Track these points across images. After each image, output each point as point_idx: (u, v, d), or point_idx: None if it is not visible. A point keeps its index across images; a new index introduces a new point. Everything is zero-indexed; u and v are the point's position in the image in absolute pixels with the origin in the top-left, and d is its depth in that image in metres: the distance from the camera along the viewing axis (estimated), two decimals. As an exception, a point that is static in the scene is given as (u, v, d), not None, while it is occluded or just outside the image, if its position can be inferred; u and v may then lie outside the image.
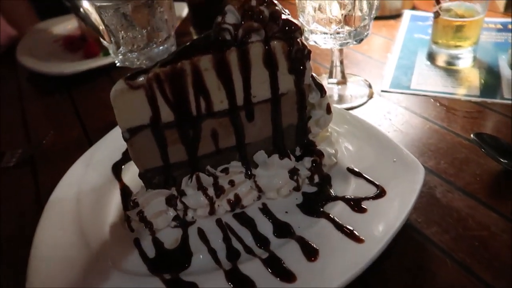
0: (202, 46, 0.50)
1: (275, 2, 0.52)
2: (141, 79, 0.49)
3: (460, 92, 0.78)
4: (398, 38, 1.01)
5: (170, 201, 0.55)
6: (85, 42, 1.18)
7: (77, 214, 0.58)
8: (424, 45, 0.96)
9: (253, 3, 0.51)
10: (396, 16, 1.14)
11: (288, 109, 0.55)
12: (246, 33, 0.49)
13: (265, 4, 0.50)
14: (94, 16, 0.75)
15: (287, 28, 0.50)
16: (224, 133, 0.54)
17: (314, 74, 0.55)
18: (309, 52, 0.52)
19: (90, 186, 0.64)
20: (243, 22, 0.49)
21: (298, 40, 0.51)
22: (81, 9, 0.84)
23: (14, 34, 1.33)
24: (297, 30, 0.50)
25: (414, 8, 1.18)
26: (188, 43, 0.52)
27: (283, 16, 0.50)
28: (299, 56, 0.51)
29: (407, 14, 1.13)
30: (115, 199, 0.62)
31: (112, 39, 0.76)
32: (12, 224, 0.64)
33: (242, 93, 0.52)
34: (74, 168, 0.67)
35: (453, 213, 0.54)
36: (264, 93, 0.53)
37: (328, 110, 0.57)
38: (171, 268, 0.50)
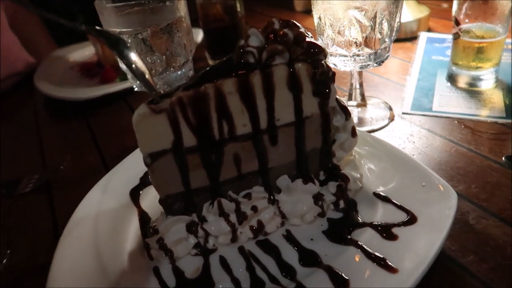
0: (225, 70, 0.49)
1: (298, 24, 0.51)
2: (163, 103, 0.48)
3: (485, 114, 0.76)
4: (416, 60, 1.00)
5: (191, 228, 0.53)
6: (102, 68, 1.19)
7: (95, 242, 0.57)
8: (443, 66, 0.95)
9: (276, 26, 0.50)
10: (412, 38, 1.13)
11: (312, 132, 0.54)
12: (270, 56, 0.48)
13: (288, 27, 0.50)
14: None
15: (311, 50, 0.49)
16: (247, 157, 0.53)
17: (338, 97, 0.54)
18: (334, 74, 0.51)
19: (107, 213, 0.62)
20: (266, 45, 0.48)
21: (323, 62, 0.50)
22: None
23: (32, 61, 1.35)
24: (321, 52, 0.49)
25: (429, 30, 1.18)
26: (210, 67, 0.51)
27: (307, 39, 0.49)
28: (324, 78, 0.50)
29: (423, 36, 1.12)
30: (133, 226, 0.61)
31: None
32: (27, 251, 0.63)
33: (265, 116, 0.51)
34: (91, 194, 0.66)
35: (490, 241, 0.51)
36: (288, 116, 0.52)
37: (353, 133, 0.55)
38: (193, 299, 0.48)
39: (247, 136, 0.52)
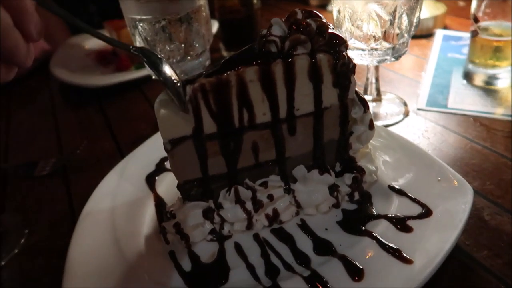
0: (247, 58, 0.50)
1: (321, 15, 0.51)
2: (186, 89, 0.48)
3: (501, 112, 0.76)
4: (432, 57, 1.00)
5: (207, 214, 0.54)
6: (117, 56, 1.20)
7: (112, 226, 0.58)
8: (459, 64, 0.94)
9: (299, 16, 0.51)
10: (428, 35, 1.13)
11: (330, 123, 0.54)
12: (292, 45, 0.48)
13: (311, 17, 0.50)
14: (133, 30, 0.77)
15: (333, 41, 0.49)
16: (265, 146, 0.54)
17: (357, 89, 0.54)
18: (354, 66, 0.51)
19: (124, 197, 0.63)
20: (289, 35, 0.49)
21: (344, 53, 0.50)
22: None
23: (47, 48, 1.36)
24: (343, 43, 0.50)
25: (445, 27, 1.17)
26: (231, 55, 0.52)
27: (329, 30, 0.50)
28: (345, 69, 0.50)
29: (439, 33, 1.12)
30: (150, 211, 0.62)
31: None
32: (45, 233, 0.64)
33: (285, 105, 0.51)
34: (108, 179, 0.67)
35: (504, 236, 0.51)
36: (307, 107, 0.52)
37: (371, 125, 0.55)
38: (209, 283, 0.49)
39: (266, 125, 0.52)
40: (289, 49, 0.49)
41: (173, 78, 0.49)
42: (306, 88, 0.51)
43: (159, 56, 0.52)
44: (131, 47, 0.52)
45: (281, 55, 0.49)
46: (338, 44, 0.49)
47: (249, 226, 0.55)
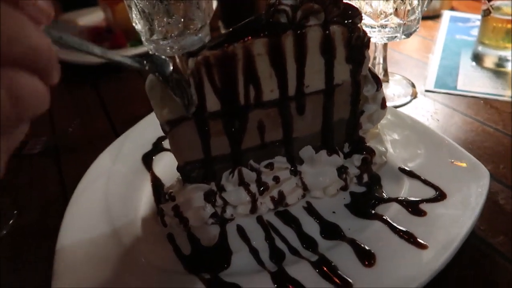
0: (254, 30, 0.46)
1: (333, -17, 0.48)
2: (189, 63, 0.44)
3: (512, 95, 0.73)
4: (439, 39, 0.97)
5: (209, 197, 0.51)
6: (112, 33, 1.15)
7: (106, 206, 0.55)
8: (468, 46, 0.91)
9: (310, -17, 0.47)
10: (435, 16, 1.09)
11: (341, 102, 0.51)
12: (305, 16, 0.44)
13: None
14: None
15: (348, 12, 0.45)
16: (271, 125, 0.50)
17: (370, 66, 0.51)
18: (369, 39, 0.48)
19: (119, 178, 0.60)
20: (301, 4, 0.45)
21: (359, 26, 0.46)
22: None
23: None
24: (358, 15, 0.46)
25: (452, 8, 1.13)
26: (236, 26, 0.48)
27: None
28: (359, 43, 0.47)
29: (447, 14, 1.08)
30: (146, 192, 0.59)
31: (146, 25, 0.72)
32: (35, 213, 0.61)
33: (294, 82, 0.48)
34: (102, 158, 0.64)
35: (520, 222, 0.49)
36: (318, 83, 0.49)
37: (383, 104, 0.52)
38: (210, 267, 0.46)
39: (273, 103, 0.48)
40: (300, 20, 0.45)
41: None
42: (317, 64, 0.47)
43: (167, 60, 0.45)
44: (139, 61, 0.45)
45: (292, 26, 0.45)
46: (353, 16, 0.46)
47: (253, 209, 0.52)
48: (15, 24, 0.22)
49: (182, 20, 0.72)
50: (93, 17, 1.31)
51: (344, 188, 0.54)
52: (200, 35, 0.78)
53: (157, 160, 0.64)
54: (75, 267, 0.46)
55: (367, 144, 0.55)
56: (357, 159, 0.53)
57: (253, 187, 0.51)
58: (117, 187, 0.58)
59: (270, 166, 0.52)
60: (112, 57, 0.39)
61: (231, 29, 0.47)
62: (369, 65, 0.51)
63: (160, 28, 0.72)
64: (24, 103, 0.22)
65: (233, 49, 0.44)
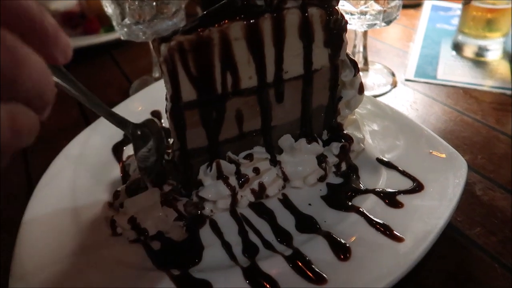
0: (230, 12, 0.43)
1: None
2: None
3: (491, 84, 0.73)
4: (420, 28, 0.96)
5: (168, 202, 0.48)
6: (85, 19, 1.10)
7: (72, 199, 0.52)
8: (448, 35, 0.90)
9: (286, -36, 0.44)
10: (416, 5, 1.08)
11: (320, 87, 0.49)
12: (282, -3, 0.42)
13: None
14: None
15: (326, -7, 0.43)
16: (250, 114, 0.48)
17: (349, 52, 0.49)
18: (346, 23, 0.46)
19: (87, 168, 0.57)
20: (276, -15, 0.42)
21: (337, 8, 0.44)
22: None
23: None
24: (336, -3, 0.44)
25: (434, -2, 1.12)
26: (209, 9, 0.45)
27: (319, -19, 0.44)
28: (337, 27, 0.45)
29: (428, 4, 1.07)
30: (116, 183, 0.56)
31: (117, 9, 0.69)
32: (-1, 205, 0.58)
33: (273, 67, 0.45)
34: (69, 148, 0.61)
35: (497, 213, 0.48)
36: (297, 69, 0.46)
37: (361, 90, 0.51)
38: (180, 263, 0.44)
39: (252, 90, 0.46)
40: (279, 2, 0.42)
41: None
42: (295, 48, 0.45)
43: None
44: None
45: (269, 9, 0.43)
46: (330, -2, 0.44)
47: (234, 203, 0.49)
48: (20, 65, 0.22)
49: (155, 3, 0.69)
50: (66, 2, 1.25)
51: (323, 178, 0.52)
52: (174, 20, 0.74)
53: (128, 151, 0.61)
54: (35, 262, 0.43)
55: (345, 131, 0.53)
56: (335, 147, 0.52)
57: (233, 180, 0.49)
58: (84, 178, 0.55)
59: (250, 157, 0.49)
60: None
61: (205, 12, 0.44)
62: (349, 52, 0.49)
63: (131, 12, 0.69)
64: (21, 135, 0.24)
65: (209, 34, 0.41)
